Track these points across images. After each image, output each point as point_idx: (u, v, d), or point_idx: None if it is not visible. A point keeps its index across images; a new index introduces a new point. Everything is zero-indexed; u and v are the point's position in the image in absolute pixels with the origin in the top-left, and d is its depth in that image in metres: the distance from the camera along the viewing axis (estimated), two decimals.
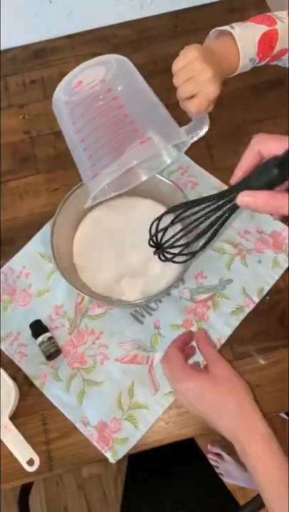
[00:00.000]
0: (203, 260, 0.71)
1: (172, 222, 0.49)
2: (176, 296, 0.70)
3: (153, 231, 0.51)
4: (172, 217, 0.49)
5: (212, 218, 0.46)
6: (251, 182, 0.43)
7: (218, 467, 1.24)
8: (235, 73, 0.63)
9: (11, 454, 0.62)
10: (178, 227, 0.51)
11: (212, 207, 0.46)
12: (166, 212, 0.51)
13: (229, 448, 1.28)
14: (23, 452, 0.62)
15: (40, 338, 0.66)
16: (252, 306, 0.69)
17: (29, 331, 0.68)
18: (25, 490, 0.84)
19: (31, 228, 0.76)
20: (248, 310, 0.69)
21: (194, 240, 0.47)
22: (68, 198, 0.68)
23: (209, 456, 1.27)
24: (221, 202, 0.45)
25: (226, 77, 0.63)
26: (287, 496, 0.45)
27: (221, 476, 1.14)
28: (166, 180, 0.69)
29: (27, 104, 0.87)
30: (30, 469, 0.61)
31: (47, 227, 0.76)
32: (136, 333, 0.68)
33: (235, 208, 0.44)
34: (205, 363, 0.54)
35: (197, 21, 0.92)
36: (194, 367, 0.55)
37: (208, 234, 0.47)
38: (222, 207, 0.45)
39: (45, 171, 0.81)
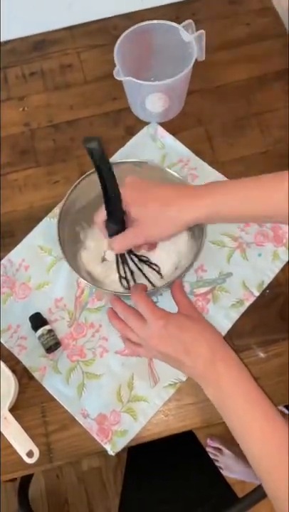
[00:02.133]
0: (203, 254, 0.71)
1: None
2: None
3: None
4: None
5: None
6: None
7: (217, 461, 1.25)
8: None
9: (11, 446, 0.62)
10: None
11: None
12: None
13: (229, 442, 1.28)
14: (22, 444, 0.62)
15: (39, 331, 0.66)
16: (252, 300, 0.69)
17: (29, 324, 0.68)
18: (25, 482, 0.85)
19: (31, 221, 0.76)
20: (247, 303, 0.69)
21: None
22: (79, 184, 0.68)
23: (208, 450, 1.27)
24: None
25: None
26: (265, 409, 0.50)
27: (220, 470, 1.14)
28: (171, 172, 0.68)
29: (27, 96, 0.87)
30: (29, 461, 0.61)
31: (47, 220, 0.75)
32: None
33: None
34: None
35: (198, 12, 0.91)
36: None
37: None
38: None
39: (45, 163, 0.81)
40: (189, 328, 0.54)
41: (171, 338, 0.54)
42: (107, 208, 0.56)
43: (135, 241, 0.58)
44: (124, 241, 0.58)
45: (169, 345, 0.54)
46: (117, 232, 0.58)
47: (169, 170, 0.68)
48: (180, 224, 0.55)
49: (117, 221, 0.58)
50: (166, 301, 0.69)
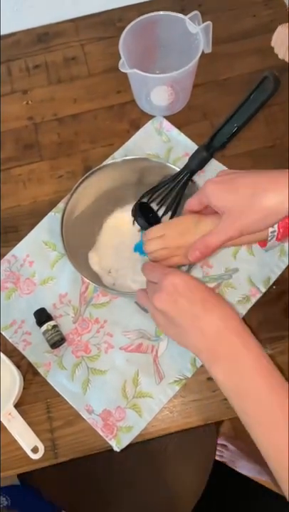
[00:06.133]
0: None
1: (148, 202, 0.67)
2: None
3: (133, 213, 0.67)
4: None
5: (173, 194, 0.65)
6: (191, 165, 0.65)
7: (222, 456, 1.25)
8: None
9: (16, 442, 0.62)
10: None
11: (171, 186, 0.65)
12: (141, 197, 0.67)
13: (233, 437, 1.28)
14: (27, 440, 0.62)
15: (44, 327, 0.66)
16: (258, 296, 0.68)
17: (33, 319, 0.67)
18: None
19: (35, 216, 0.75)
20: (254, 299, 0.68)
21: (167, 210, 0.66)
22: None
23: None
24: (176, 182, 0.65)
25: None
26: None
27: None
28: (174, 167, 0.68)
29: (30, 89, 0.86)
30: (34, 457, 0.61)
31: (51, 215, 0.75)
32: (140, 322, 0.67)
33: (185, 185, 0.65)
34: None
35: (204, 4, 0.89)
36: None
37: (173, 205, 0.65)
38: (177, 186, 0.65)
39: (49, 158, 0.80)
40: (202, 289, 0.47)
41: (180, 297, 0.47)
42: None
43: (229, 235, 0.49)
44: (216, 238, 0.49)
45: (174, 305, 0.47)
46: (203, 162, 0.64)
47: (171, 165, 0.67)
48: (281, 210, 0.46)
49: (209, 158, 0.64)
50: None
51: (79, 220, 0.67)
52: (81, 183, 0.66)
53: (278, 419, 0.42)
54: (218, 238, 0.50)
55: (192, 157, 0.66)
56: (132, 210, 0.68)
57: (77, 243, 0.66)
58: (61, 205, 0.75)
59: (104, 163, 0.68)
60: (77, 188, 0.66)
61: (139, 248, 0.69)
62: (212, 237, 0.50)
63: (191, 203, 0.54)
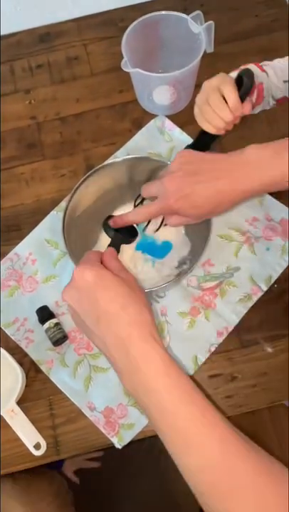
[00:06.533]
0: (210, 248, 0.70)
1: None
2: (183, 283, 0.69)
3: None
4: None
5: None
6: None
7: None
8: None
9: (18, 438, 0.62)
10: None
11: None
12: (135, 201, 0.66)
13: None
14: (29, 436, 0.62)
15: (46, 324, 0.66)
16: (260, 294, 0.68)
17: (36, 317, 0.68)
18: None
19: (37, 214, 0.75)
20: (255, 298, 0.68)
21: None
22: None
23: None
24: None
25: None
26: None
27: None
28: None
29: (33, 89, 0.86)
30: (37, 453, 0.62)
31: (53, 214, 0.75)
32: None
33: None
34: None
35: (206, 4, 0.90)
36: None
37: None
38: None
39: (51, 156, 0.80)
40: (118, 289, 0.41)
41: (86, 296, 0.40)
42: None
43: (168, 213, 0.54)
44: (153, 208, 0.54)
45: (79, 304, 0.41)
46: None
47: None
48: (234, 198, 0.50)
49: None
50: (173, 296, 0.69)
51: (81, 218, 0.68)
52: (83, 182, 0.66)
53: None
54: (155, 210, 0.54)
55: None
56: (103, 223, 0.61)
57: (79, 241, 0.66)
58: (63, 203, 0.75)
59: (106, 162, 0.69)
60: (78, 187, 0.66)
61: (141, 247, 0.69)
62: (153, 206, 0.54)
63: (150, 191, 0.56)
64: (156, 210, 0.54)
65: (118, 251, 0.54)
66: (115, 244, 0.55)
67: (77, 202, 0.67)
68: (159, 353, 0.38)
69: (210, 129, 0.59)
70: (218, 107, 0.57)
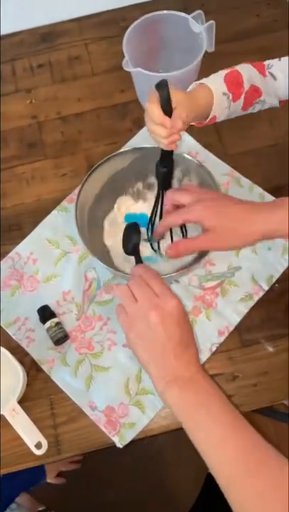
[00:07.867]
0: None
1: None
2: (184, 283, 0.69)
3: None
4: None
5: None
6: (161, 186, 0.62)
7: None
8: (214, 107, 0.61)
9: (20, 438, 0.62)
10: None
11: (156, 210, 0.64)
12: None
13: None
14: (31, 435, 0.62)
15: (47, 323, 0.66)
16: (261, 294, 0.68)
17: (37, 316, 0.68)
18: None
19: (38, 214, 0.75)
20: (256, 297, 0.68)
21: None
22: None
23: None
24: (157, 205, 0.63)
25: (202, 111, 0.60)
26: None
27: None
28: (190, 158, 0.68)
29: (34, 88, 0.86)
30: (38, 452, 0.62)
31: (54, 213, 0.75)
32: None
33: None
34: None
35: (207, 3, 0.90)
36: None
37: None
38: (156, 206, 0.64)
39: (52, 156, 0.80)
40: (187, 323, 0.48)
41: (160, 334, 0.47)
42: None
43: (205, 247, 0.57)
44: (192, 244, 0.55)
45: (146, 336, 0.48)
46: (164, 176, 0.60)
47: (187, 156, 0.68)
48: (251, 240, 0.52)
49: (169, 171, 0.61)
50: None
51: (88, 209, 0.68)
52: (91, 172, 0.66)
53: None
54: (194, 246, 0.55)
55: (157, 178, 0.63)
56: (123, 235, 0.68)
57: (91, 233, 0.67)
58: (65, 203, 0.76)
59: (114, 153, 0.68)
60: (86, 179, 0.66)
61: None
62: (194, 242, 0.55)
63: (172, 222, 0.57)
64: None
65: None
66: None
67: (86, 194, 0.67)
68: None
69: (162, 146, 0.59)
70: (150, 127, 0.57)
